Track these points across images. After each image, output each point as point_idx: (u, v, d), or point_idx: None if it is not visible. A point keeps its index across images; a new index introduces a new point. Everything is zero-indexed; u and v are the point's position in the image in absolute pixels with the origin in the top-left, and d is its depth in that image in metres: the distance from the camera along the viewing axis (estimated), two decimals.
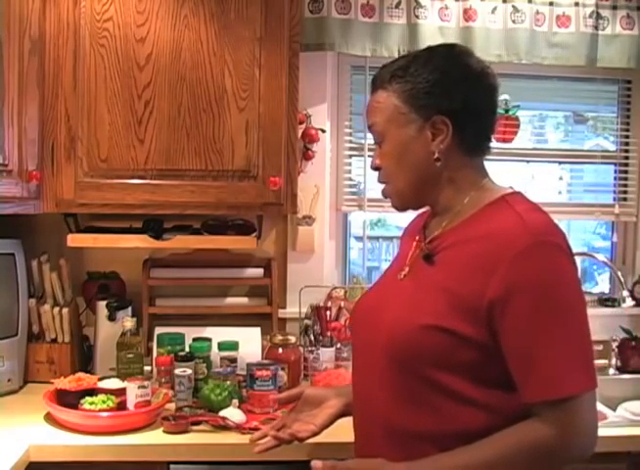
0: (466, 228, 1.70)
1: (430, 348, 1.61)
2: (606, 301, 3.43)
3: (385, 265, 4.79)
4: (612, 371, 3.14)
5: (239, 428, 2.41)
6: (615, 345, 3.18)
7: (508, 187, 1.77)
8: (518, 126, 3.36)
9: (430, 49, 1.80)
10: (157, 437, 2.37)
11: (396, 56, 3.08)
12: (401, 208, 1.83)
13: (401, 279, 1.80)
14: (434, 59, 1.74)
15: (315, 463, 1.65)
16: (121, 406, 2.44)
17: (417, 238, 1.85)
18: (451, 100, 1.69)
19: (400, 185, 1.77)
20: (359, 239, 3.47)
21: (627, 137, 3.53)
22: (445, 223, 1.76)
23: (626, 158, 3.54)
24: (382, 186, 1.83)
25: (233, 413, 2.46)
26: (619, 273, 3.17)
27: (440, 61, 1.73)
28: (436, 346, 1.61)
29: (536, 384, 1.55)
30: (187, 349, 2.77)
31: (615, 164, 3.56)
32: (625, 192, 3.54)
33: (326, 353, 2.88)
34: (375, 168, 1.82)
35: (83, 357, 2.97)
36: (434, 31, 3.11)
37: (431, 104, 1.70)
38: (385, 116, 1.75)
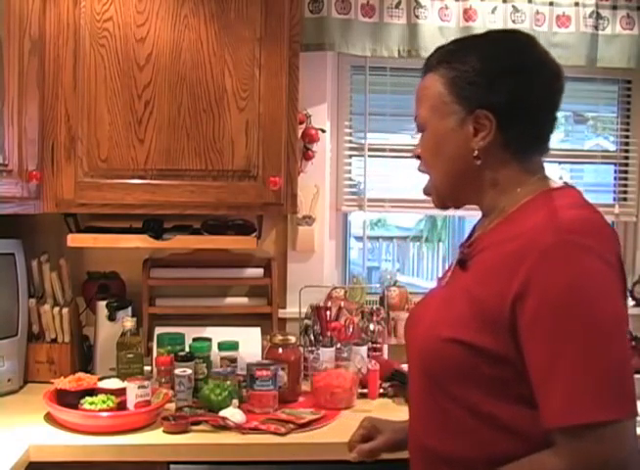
0: (501, 229, 1.53)
1: (452, 362, 1.46)
2: None
3: (385, 266, 4.83)
4: None
5: (239, 428, 2.40)
6: None
7: (562, 182, 1.61)
8: None
9: (486, 34, 1.65)
10: (157, 437, 2.37)
11: (396, 56, 3.10)
12: (438, 204, 1.66)
13: (442, 287, 1.67)
14: (484, 45, 1.57)
15: None
16: (121, 406, 2.44)
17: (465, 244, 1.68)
18: (496, 93, 1.51)
19: (437, 180, 1.62)
20: (359, 239, 3.48)
21: (627, 137, 3.53)
22: (487, 225, 1.59)
23: (626, 158, 3.54)
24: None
25: (233, 413, 2.45)
26: None
27: (491, 48, 1.56)
28: (458, 359, 1.45)
29: (552, 405, 1.33)
30: (187, 349, 2.77)
31: (615, 164, 3.56)
32: (625, 192, 3.54)
33: (326, 353, 2.88)
34: (416, 157, 1.67)
35: (83, 357, 2.97)
36: (434, 31, 3.11)
37: (474, 96, 1.52)
38: (428, 103, 1.60)
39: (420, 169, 1.67)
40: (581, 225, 1.42)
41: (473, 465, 1.47)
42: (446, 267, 1.77)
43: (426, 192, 1.68)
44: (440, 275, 1.80)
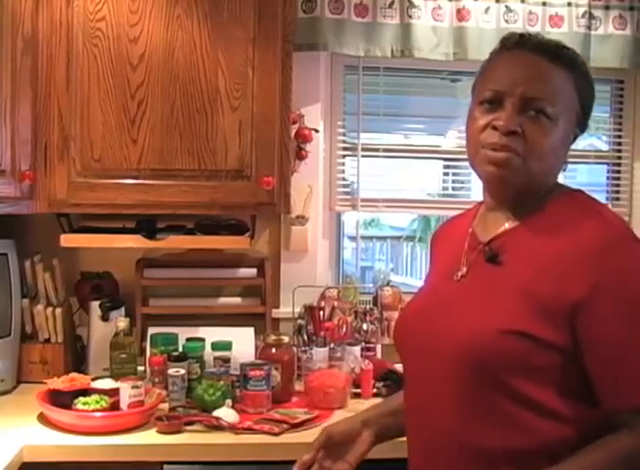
0: (534, 226, 1.60)
1: (509, 354, 1.49)
2: None
3: (379, 265, 4.83)
4: None
5: (232, 428, 2.41)
6: None
7: (567, 185, 1.69)
8: None
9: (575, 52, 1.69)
10: (150, 437, 2.37)
11: (390, 56, 3.10)
12: (510, 185, 1.60)
13: (458, 280, 1.66)
14: (585, 66, 1.68)
15: None
16: (115, 407, 2.44)
17: (469, 237, 1.71)
18: (587, 114, 1.67)
19: (536, 168, 1.58)
20: (352, 239, 3.48)
21: (620, 137, 3.54)
22: (508, 221, 1.64)
23: (619, 158, 3.54)
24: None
25: (226, 413, 2.45)
26: None
27: (589, 75, 1.68)
28: (516, 351, 1.48)
29: (630, 389, 1.45)
30: (180, 349, 2.77)
31: (607, 164, 3.57)
32: (618, 192, 3.54)
33: (319, 353, 2.88)
34: (510, 132, 1.56)
35: (76, 358, 2.96)
36: (427, 31, 3.11)
37: (587, 121, 1.67)
38: (565, 102, 1.60)
39: (506, 144, 1.57)
40: (625, 224, 1.58)
41: (526, 457, 1.50)
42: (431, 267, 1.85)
43: (501, 162, 1.58)
44: (433, 273, 1.83)
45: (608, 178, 3.56)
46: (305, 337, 3.00)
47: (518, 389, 1.49)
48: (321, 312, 3.08)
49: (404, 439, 1.75)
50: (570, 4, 3.21)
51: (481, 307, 1.57)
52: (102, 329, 2.88)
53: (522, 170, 1.57)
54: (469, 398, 1.54)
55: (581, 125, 1.65)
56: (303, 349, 2.93)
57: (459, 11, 3.14)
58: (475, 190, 3.32)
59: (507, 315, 1.51)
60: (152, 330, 2.88)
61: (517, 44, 1.64)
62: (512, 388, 1.49)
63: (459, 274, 1.67)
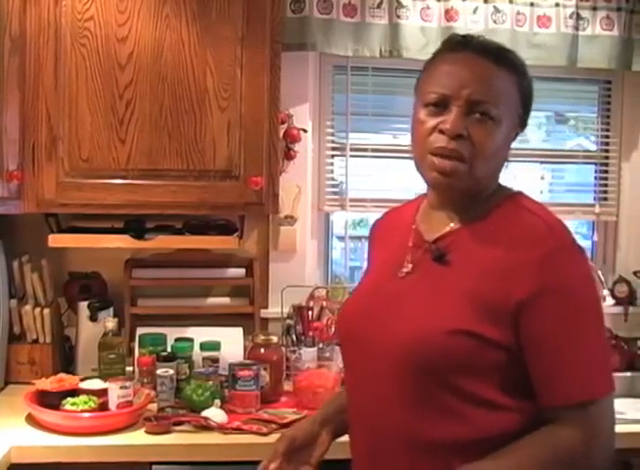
0: (480, 228, 1.63)
1: (456, 352, 1.53)
2: None
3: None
4: None
5: (221, 428, 2.41)
6: None
7: (509, 186, 1.72)
8: None
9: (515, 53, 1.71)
10: (139, 437, 2.37)
11: (378, 56, 3.10)
12: (460, 189, 1.63)
13: (403, 277, 1.68)
14: (525, 66, 1.69)
15: None
16: (103, 407, 2.44)
17: (413, 234, 1.72)
18: (527, 112, 1.69)
19: (481, 170, 1.61)
20: (341, 239, 3.48)
21: (608, 137, 3.55)
22: (453, 221, 1.67)
23: (607, 158, 3.56)
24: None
25: (215, 413, 2.46)
26: (600, 272, 3.20)
27: (527, 73, 1.68)
28: (463, 350, 1.52)
29: (565, 386, 1.51)
30: (169, 349, 2.77)
31: (595, 164, 3.58)
32: (606, 192, 3.55)
33: (308, 353, 2.88)
34: (457, 135, 1.58)
35: (65, 358, 2.96)
36: (415, 31, 3.11)
37: (527, 119, 1.70)
38: (508, 103, 1.62)
39: (454, 149, 1.58)
40: (566, 228, 1.60)
41: (473, 448, 1.53)
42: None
43: (447, 170, 1.60)
44: (373, 268, 1.86)
45: (596, 178, 3.58)
46: (294, 337, 3.01)
47: (463, 386, 1.54)
48: (310, 312, 3.09)
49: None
50: (557, 5, 3.22)
51: (428, 307, 1.59)
52: (90, 329, 2.87)
53: (467, 176, 1.60)
54: (414, 394, 1.57)
55: (522, 124, 1.69)
56: (292, 349, 2.93)
57: (447, 11, 3.15)
58: None
59: (454, 315, 1.55)
60: (140, 330, 2.88)
61: (461, 45, 1.65)
62: (457, 385, 1.54)
63: (404, 271, 1.69)
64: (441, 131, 1.59)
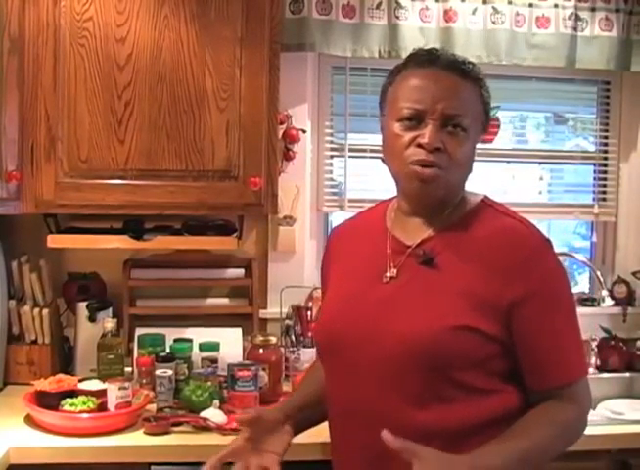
0: (460, 230, 1.75)
1: (461, 347, 1.65)
2: (585, 300, 3.44)
3: None
4: (591, 370, 3.15)
5: (220, 429, 2.41)
6: (594, 344, 3.20)
7: (472, 191, 1.85)
8: (498, 127, 3.39)
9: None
10: (138, 438, 2.37)
11: (377, 57, 3.10)
12: (434, 198, 1.75)
13: (387, 282, 1.76)
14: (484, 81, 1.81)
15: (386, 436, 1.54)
16: (102, 408, 2.44)
17: (391, 241, 1.81)
18: (488, 119, 1.83)
19: (456, 179, 1.76)
20: None
21: (606, 138, 3.55)
22: (431, 227, 1.77)
23: (605, 158, 3.56)
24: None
25: (214, 414, 2.46)
26: (599, 273, 3.20)
27: (485, 86, 1.81)
28: (468, 345, 1.65)
29: (559, 370, 1.70)
30: (168, 349, 2.77)
31: (594, 165, 3.58)
32: (605, 192, 3.56)
33: (307, 354, 2.88)
34: (436, 149, 1.68)
35: (63, 359, 2.95)
36: (414, 32, 3.11)
37: (488, 124, 1.83)
38: (474, 114, 1.75)
39: (433, 161, 1.69)
40: (535, 226, 1.77)
41: (468, 430, 1.67)
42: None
43: (428, 178, 1.70)
44: (350, 271, 1.87)
45: (594, 179, 3.58)
46: (293, 337, 3.01)
47: (462, 376, 1.66)
48: (309, 313, 3.08)
49: None
50: (556, 5, 3.22)
51: (427, 306, 1.69)
52: (89, 330, 2.87)
53: (443, 183, 1.71)
54: (415, 389, 1.66)
55: (485, 130, 1.83)
56: (291, 349, 2.93)
57: (446, 12, 3.14)
58: None
59: (454, 313, 1.66)
60: (139, 331, 2.88)
61: (428, 62, 1.75)
62: (457, 376, 1.65)
63: (388, 276, 1.77)
64: (419, 145, 1.69)
